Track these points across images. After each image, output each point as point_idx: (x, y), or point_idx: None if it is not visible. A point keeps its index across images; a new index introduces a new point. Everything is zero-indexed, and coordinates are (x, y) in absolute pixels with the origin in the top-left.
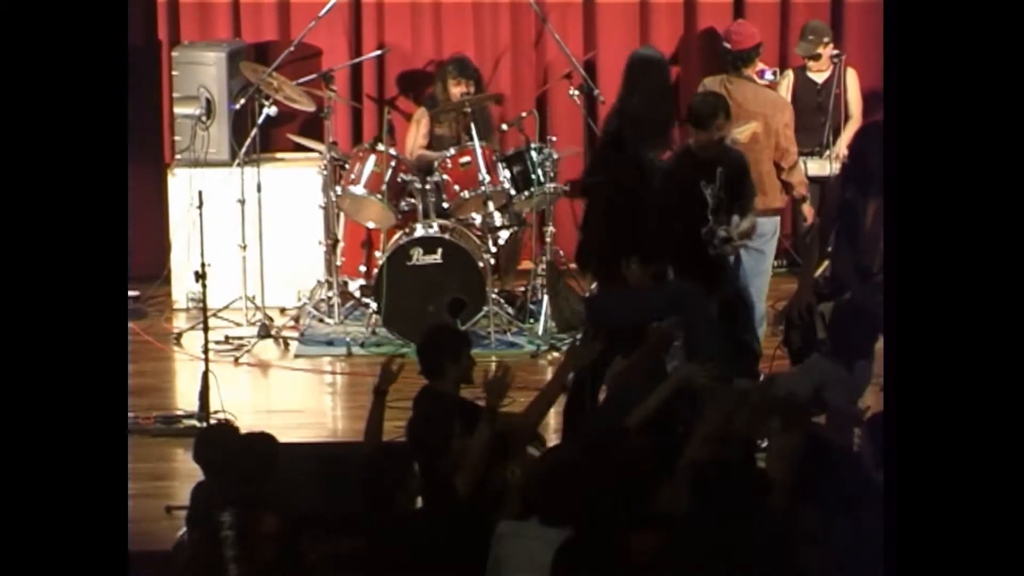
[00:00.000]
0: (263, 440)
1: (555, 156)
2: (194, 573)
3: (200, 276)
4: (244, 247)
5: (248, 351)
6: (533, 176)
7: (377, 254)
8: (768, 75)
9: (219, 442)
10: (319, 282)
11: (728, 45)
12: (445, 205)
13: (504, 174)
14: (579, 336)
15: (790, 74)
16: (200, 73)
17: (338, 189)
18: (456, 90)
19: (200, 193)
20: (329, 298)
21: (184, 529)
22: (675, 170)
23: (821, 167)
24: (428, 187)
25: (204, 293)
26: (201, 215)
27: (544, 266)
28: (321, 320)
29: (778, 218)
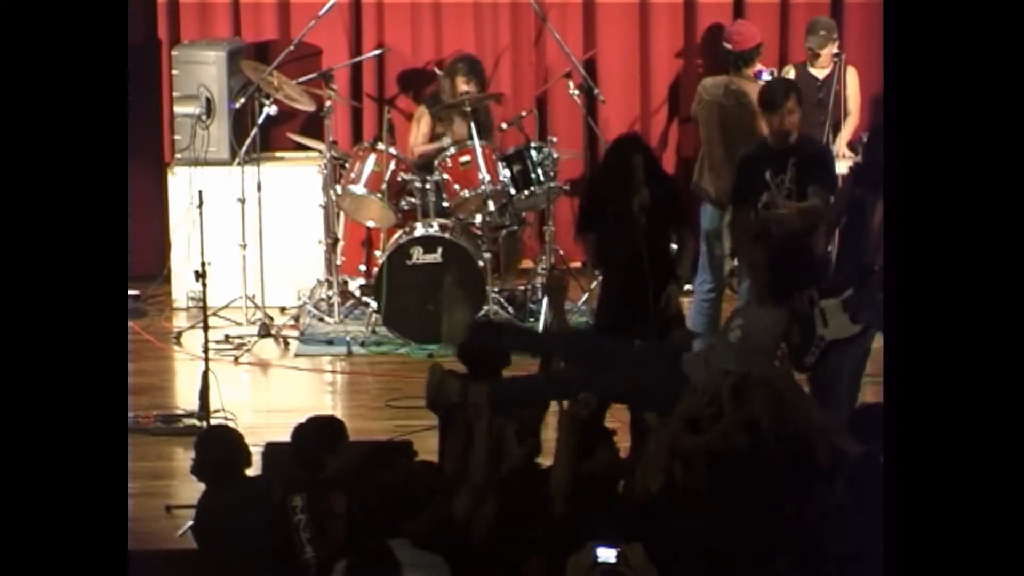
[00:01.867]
0: (328, 424)
1: (555, 155)
2: (270, 559)
3: (200, 275)
4: (244, 246)
5: (248, 350)
6: (533, 175)
7: (377, 253)
8: (765, 75)
9: (217, 444)
10: (319, 281)
11: (729, 46)
12: (445, 204)
13: (504, 173)
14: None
15: (791, 70)
16: (200, 72)
17: (338, 188)
18: (465, 88)
19: (200, 192)
20: (329, 297)
21: (189, 523)
22: (745, 159)
23: None
24: (428, 186)
25: (204, 292)
26: (201, 214)
27: (544, 266)
28: (321, 319)
29: None
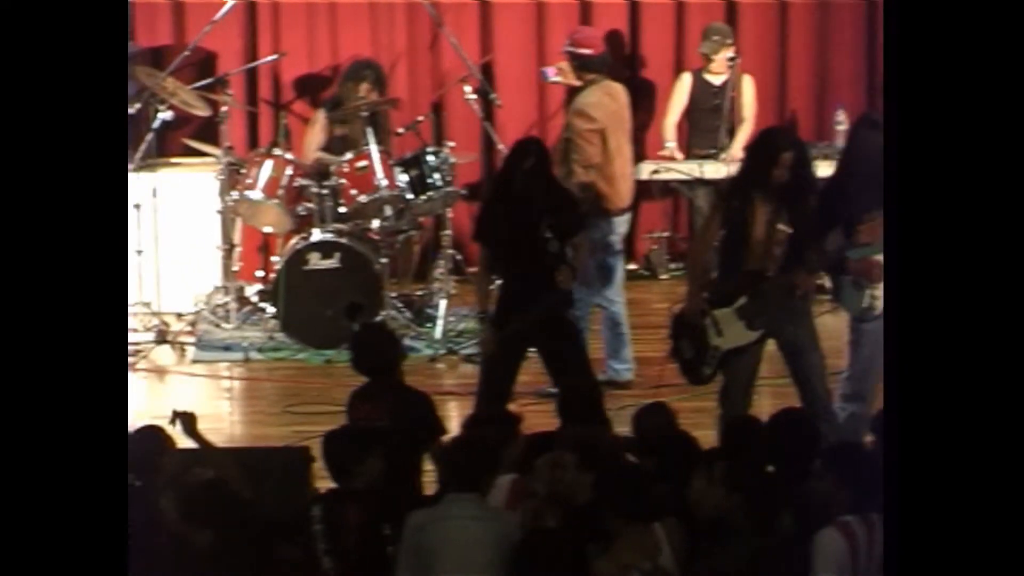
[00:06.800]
0: (353, 433)
1: (452, 160)
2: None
3: None
4: (140, 252)
5: (144, 357)
6: (430, 180)
7: (274, 259)
8: (551, 75)
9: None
10: (216, 287)
11: (589, 51)
12: (342, 209)
13: (401, 178)
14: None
15: (686, 76)
16: None
17: (235, 194)
18: (365, 93)
19: None
20: (226, 303)
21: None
22: None
23: (716, 169)
24: (325, 191)
25: None
26: None
27: (441, 270)
28: (218, 325)
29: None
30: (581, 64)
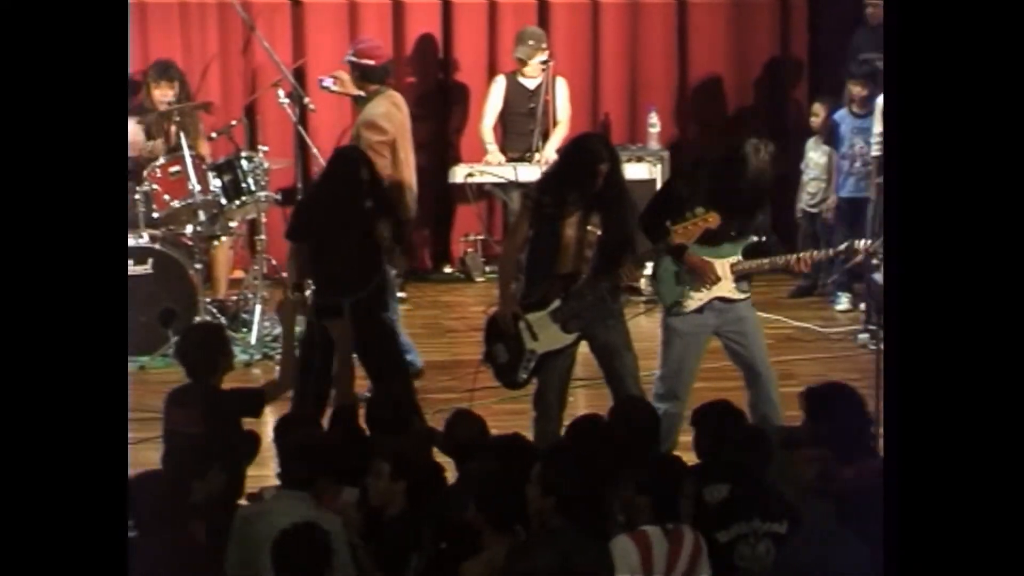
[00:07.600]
0: (190, 448)
1: (265, 165)
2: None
3: None
4: None
5: None
6: (244, 185)
7: None
8: (328, 83)
9: None
10: None
11: (372, 62)
12: (156, 215)
13: (215, 183)
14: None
15: (500, 79)
16: None
17: None
18: (158, 92)
19: None
20: None
21: None
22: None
23: (531, 172)
24: (138, 197)
25: None
26: None
27: (255, 276)
28: None
29: None
30: (363, 75)
